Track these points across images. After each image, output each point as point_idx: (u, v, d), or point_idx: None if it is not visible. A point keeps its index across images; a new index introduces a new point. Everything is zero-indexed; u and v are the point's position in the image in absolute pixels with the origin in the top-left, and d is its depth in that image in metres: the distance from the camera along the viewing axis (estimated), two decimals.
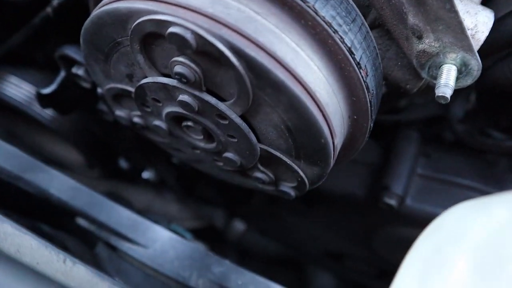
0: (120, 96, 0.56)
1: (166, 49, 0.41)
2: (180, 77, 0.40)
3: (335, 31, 0.38)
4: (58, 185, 0.61)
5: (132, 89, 0.51)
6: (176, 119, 0.51)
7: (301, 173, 0.50)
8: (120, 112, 0.58)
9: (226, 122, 0.45)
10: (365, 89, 0.42)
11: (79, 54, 0.60)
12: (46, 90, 0.64)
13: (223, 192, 1.09)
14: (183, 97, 0.44)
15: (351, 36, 0.40)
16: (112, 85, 0.53)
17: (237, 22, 0.36)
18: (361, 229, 0.87)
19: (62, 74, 0.64)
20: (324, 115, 0.41)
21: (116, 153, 0.93)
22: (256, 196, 0.99)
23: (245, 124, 0.45)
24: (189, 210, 1.29)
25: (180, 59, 0.39)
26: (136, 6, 0.38)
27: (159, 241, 0.63)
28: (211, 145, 0.51)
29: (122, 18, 0.40)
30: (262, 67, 0.37)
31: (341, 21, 0.39)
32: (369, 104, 0.44)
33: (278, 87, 0.38)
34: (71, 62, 0.62)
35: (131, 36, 0.40)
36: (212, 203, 1.19)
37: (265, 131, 0.46)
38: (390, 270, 1.00)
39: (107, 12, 0.40)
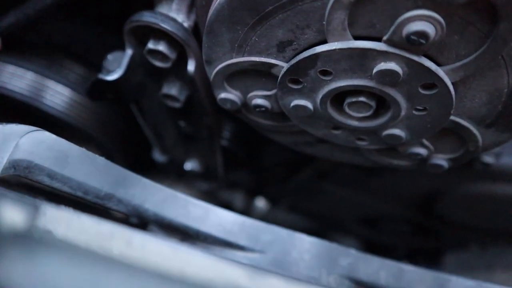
0: (238, 75, 0.43)
1: (393, 1, 0.30)
2: (419, 36, 0.30)
3: None
4: (153, 197, 0.47)
5: (277, 62, 0.39)
6: (339, 97, 0.40)
7: (480, 143, 0.44)
8: (228, 95, 0.46)
9: (433, 92, 0.36)
10: None
11: (165, 22, 0.45)
12: (112, 76, 0.48)
13: (256, 176, 1.00)
14: (387, 65, 0.34)
15: None
16: (240, 59, 0.40)
17: None
18: (423, 191, 0.85)
19: (130, 52, 0.48)
20: None
21: (146, 146, 0.79)
22: (301, 174, 0.91)
23: (454, 94, 0.36)
24: (199, 194, 1.19)
25: (423, 12, 0.29)
26: None
27: (277, 243, 0.54)
28: (375, 122, 0.42)
29: None
30: None
31: None
32: None
33: None
34: (146, 36, 0.47)
35: None
36: (240, 187, 1.09)
37: (469, 97, 0.38)
38: (426, 225, 1.01)
39: None
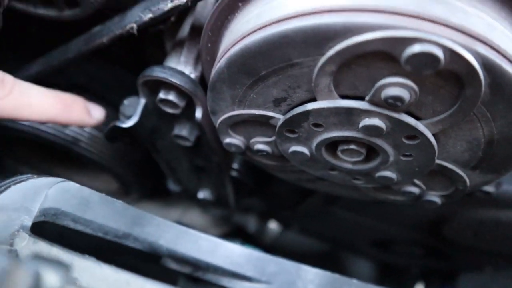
0: (240, 123, 0.48)
1: (370, 69, 0.34)
2: (395, 100, 0.34)
3: None
4: (166, 234, 0.52)
5: (274, 115, 0.44)
6: (333, 143, 0.44)
7: (468, 183, 0.47)
8: (232, 140, 0.50)
9: (416, 142, 0.40)
10: None
11: (173, 76, 0.50)
12: (127, 124, 0.53)
13: (267, 201, 1.03)
14: (371, 121, 0.38)
15: None
16: (241, 111, 0.45)
17: (486, 33, 0.31)
18: (430, 216, 0.87)
19: (143, 101, 0.54)
20: None
21: (163, 176, 0.84)
22: (310, 200, 0.95)
23: (436, 143, 0.40)
24: (213, 218, 1.23)
25: (398, 79, 0.33)
26: (360, 21, 0.31)
27: (282, 274, 0.57)
28: (367, 165, 0.46)
29: (328, 36, 0.32)
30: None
31: None
32: None
33: None
34: (157, 87, 0.52)
35: (332, 57, 0.33)
36: (252, 211, 1.13)
37: (450, 145, 0.41)
38: (438, 248, 1.02)
39: (303, 30, 0.32)
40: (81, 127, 0.59)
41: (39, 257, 0.29)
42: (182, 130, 0.60)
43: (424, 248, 1.07)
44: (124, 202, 0.57)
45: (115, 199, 0.47)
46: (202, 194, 0.82)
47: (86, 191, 0.44)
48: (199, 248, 0.55)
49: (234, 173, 0.80)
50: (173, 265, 0.64)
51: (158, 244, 0.51)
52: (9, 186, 0.39)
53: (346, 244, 1.18)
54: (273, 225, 1.23)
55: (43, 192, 0.41)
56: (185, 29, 0.57)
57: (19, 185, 0.39)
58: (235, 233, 1.25)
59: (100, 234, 0.46)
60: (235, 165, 0.80)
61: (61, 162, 0.98)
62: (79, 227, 0.45)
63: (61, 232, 0.48)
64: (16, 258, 0.36)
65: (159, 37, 0.64)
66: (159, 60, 0.65)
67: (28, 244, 0.36)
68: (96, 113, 0.61)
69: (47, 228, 0.45)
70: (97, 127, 0.77)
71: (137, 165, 0.86)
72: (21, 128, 0.74)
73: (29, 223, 0.40)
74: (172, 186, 0.83)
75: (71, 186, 0.43)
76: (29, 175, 0.43)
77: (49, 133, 0.74)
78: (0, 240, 0.38)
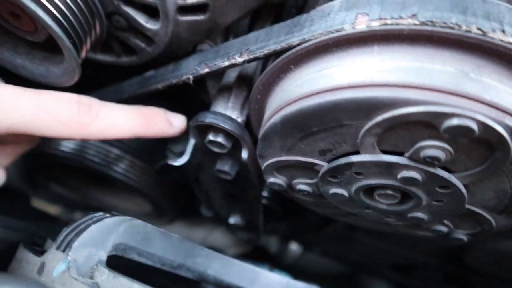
0: (286, 167, 0.53)
1: (411, 132, 0.39)
2: (432, 159, 0.39)
3: None
4: (214, 264, 0.57)
5: (319, 162, 0.49)
6: (371, 188, 0.49)
7: (494, 224, 0.51)
8: (275, 180, 0.55)
9: (448, 191, 0.44)
10: None
11: (224, 122, 0.55)
12: (179, 162, 0.59)
13: (292, 225, 1.08)
14: (408, 174, 0.43)
15: None
16: (289, 158, 0.50)
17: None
18: (453, 244, 0.90)
19: (193, 142, 0.59)
20: None
21: (191, 198, 0.89)
22: (333, 225, 0.99)
23: (466, 192, 0.45)
24: (236, 238, 1.27)
25: (436, 143, 0.38)
26: (405, 96, 0.36)
27: None
28: (401, 207, 0.51)
29: (377, 106, 0.37)
30: None
31: None
32: None
33: None
34: (206, 129, 0.58)
35: (379, 123, 0.38)
36: (276, 233, 1.17)
37: (479, 193, 0.46)
38: (458, 273, 1.05)
39: (355, 100, 0.38)
40: (164, 137, 0.60)
41: None
42: (225, 166, 0.65)
43: (445, 273, 1.10)
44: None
45: (172, 234, 0.53)
46: (233, 220, 0.87)
47: (149, 227, 0.50)
48: (242, 276, 0.60)
49: (264, 201, 0.85)
50: None
51: (206, 273, 0.57)
52: (89, 225, 0.44)
53: (366, 267, 1.21)
54: (294, 246, 1.27)
55: (115, 230, 0.46)
56: (230, 75, 0.63)
57: (97, 224, 0.45)
58: (256, 253, 1.30)
59: (158, 265, 0.52)
60: (265, 193, 0.85)
61: (96, 184, 1.04)
62: (142, 260, 0.50)
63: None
64: None
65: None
66: (197, 93, 0.71)
67: (108, 278, 0.42)
68: (177, 122, 0.61)
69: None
70: (136, 155, 0.83)
71: (171, 190, 0.91)
72: (66, 155, 0.80)
73: (104, 257, 0.45)
74: (205, 211, 0.89)
75: (137, 223, 0.49)
76: (102, 213, 0.48)
77: (92, 160, 0.79)
78: (82, 273, 0.43)
